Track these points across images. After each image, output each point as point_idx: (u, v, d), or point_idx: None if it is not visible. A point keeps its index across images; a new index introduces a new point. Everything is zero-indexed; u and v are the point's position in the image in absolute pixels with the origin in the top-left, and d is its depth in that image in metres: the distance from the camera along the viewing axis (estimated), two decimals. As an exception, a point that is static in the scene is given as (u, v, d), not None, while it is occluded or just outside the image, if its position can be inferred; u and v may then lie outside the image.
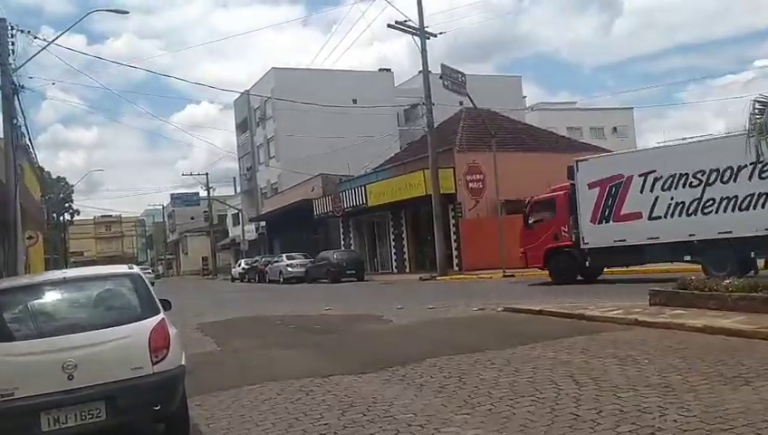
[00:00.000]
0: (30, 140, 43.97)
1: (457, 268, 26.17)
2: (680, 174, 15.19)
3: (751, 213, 14.07)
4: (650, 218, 15.70)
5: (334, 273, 28.24)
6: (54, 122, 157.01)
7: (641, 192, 15.86)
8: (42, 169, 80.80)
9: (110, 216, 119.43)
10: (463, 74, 22.19)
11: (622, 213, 16.22)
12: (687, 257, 15.51)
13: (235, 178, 68.34)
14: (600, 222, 16.67)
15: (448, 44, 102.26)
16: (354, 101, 50.83)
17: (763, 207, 13.90)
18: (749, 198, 14.12)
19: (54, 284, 5.41)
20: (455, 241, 26.51)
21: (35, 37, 16.39)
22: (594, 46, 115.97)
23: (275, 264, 33.41)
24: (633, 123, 65.52)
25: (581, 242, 16.90)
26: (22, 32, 16.42)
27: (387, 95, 52.01)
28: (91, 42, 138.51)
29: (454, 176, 26.22)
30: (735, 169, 14.21)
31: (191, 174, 58.09)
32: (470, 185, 25.94)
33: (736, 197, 14.30)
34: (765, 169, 13.52)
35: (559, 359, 6.81)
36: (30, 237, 19.07)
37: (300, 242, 39.40)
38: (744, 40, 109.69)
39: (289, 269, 31.79)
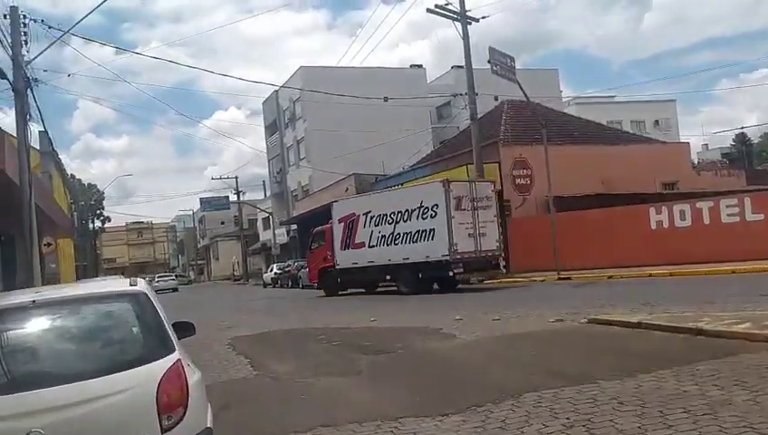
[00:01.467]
0: (51, 142, 43.26)
1: (505, 271, 24.30)
2: (382, 214, 21.09)
3: (419, 244, 19.88)
4: (369, 247, 21.45)
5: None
6: (86, 131, 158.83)
7: (364, 227, 21.66)
8: (73, 177, 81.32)
9: (142, 222, 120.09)
10: (512, 59, 20.40)
11: (355, 242, 21.98)
12: (388, 277, 21.47)
13: (264, 181, 67.35)
14: (344, 249, 22.41)
15: (473, 42, 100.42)
16: (385, 99, 49.28)
17: (425, 240, 19.72)
18: (417, 234, 20.03)
19: (18, 311, 3.66)
20: (501, 242, 24.62)
21: (50, 27, 15.00)
22: (623, 42, 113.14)
23: (304, 269, 31.87)
24: (676, 116, 62.87)
25: (336, 264, 22.56)
26: (35, 21, 15.08)
27: (419, 92, 50.30)
28: (120, 51, 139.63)
29: (499, 171, 24.39)
30: (411, 212, 20.23)
31: (220, 177, 56.77)
32: (517, 181, 24.08)
33: (410, 232, 20.20)
34: (425, 213, 19.79)
35: (711, 397, 5.04)
36: (48, 244, 17.77)
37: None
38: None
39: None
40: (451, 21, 22.39)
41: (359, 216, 21.79)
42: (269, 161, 58.61)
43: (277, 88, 48.61)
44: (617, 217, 22.03)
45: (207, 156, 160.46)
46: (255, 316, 17.31)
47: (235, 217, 65.66)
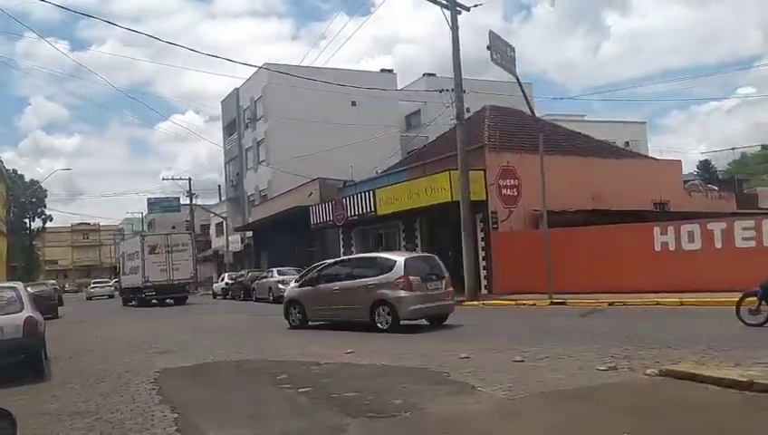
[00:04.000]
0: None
1: (486, 291, 21.71)
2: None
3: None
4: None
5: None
6: (36, 128, 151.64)
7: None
8: (15, 172, 75.96)
9: (88, 223, 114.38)
10: (513, 48, 17.89)
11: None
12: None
13: (219, 185, 63.67)
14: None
15: (434, 61, 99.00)
16: (353, 104, 46.57)
17: None
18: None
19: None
20: (483, 258, 22.05)
21: None
22: (581, 68, 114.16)
23: (264, 280, 28.75)
24: (646, 138, 61.88)
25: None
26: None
27: (389, 98, 47.74)
28: (75, 48, 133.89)
29: (485, 179, 21.84)
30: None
31: (172, 178, 53.07)
32: (503, 191, 21.53)
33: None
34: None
35: None
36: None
37: (291, 255, 34.76)
38: (729, 66, 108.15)
39: (280, 286, 27.05)
40: (440, 10, 19.77)
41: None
42: (225, 164, 55.11)
43: (241, 84, 45.43)
44: (616, 236, 19.66)
45: (162, 160, 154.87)
46: (198, 337, 14.19)
47: (187, 221, 61.81)
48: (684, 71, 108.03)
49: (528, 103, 18.83)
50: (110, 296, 47.29)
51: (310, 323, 15.23)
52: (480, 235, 22.05)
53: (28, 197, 73.14)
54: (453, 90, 20.24)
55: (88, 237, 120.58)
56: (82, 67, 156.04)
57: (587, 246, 19.96)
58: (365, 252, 29.70)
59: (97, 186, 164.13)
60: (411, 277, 13.32)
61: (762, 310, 10.15)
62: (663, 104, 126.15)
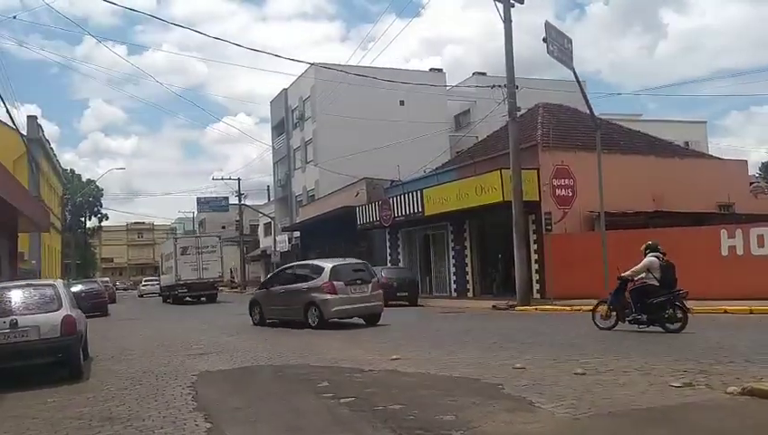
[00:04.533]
0: (41, 129, 40.07)
1: (538, 295, 20.85)
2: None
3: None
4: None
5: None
6: (95, 130, 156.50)
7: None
8: (72, 172, 78.16)
9: (143, 223, 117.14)
10: (570, 40, 17.03)
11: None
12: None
13: (268, 186, 64.06)
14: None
15: (484, 61, 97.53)
16: (401, 103, 46.04)
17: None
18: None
19: None
20: (536, 261, 21.19)
21: None
22: (636, 68, 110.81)
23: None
24: (706, 139, 59.43)
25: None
26: None
27: (438, 98, 47.03)
28: (131, 52, 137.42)
29: (538, 179, 20.99)
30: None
31: (222, 178, 53.48)
32: (557, 191, 20.65)
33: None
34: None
35: None
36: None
37: (338, 255, 34.23)
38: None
39: (326, 287, 26.79)
40: (493, 5, 19.02)
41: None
42: (274, 164, 55.31)
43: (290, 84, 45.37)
44: (679, 240, 18.45)
45: (214, 161, 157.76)
46: (241, 338, 13.86)
47: (237, 221, 62.35)
48: (743, 70, 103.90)
49: (585, 98, 17.93)
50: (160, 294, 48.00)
51: (268, 321, 17.08)
52: (532, 237, 21.20)
53: (85, 196, 75.09)
54: (505, 86, 19.45)
55: (142, 236, 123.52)
56: (139, 70, 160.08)
57: (647, 249, 18.91)
58: (412, 254, 29.21)
59: (152, 186, 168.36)
60: (335, 282, 15.27)
61: (611, 315, 12.48)
62: (721, 105, 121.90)
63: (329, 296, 15.09)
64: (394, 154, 38.05)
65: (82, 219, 77.58)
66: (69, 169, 75.88)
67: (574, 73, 17.31)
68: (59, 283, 10.07)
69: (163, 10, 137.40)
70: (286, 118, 51.02)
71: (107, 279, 52.94)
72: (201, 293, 33.36)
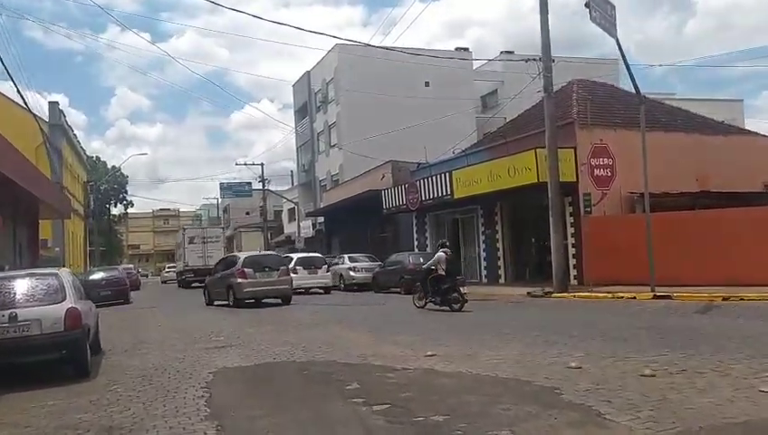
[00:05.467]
0: (62, 114, 39.64)
1: (575, 281, 19.76)
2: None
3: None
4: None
5: (409, 281, 22.17)
6: (121, 118, 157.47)
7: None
8: (98, 158, 78.24)
9: (168, 209, 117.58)
10: (613, 6, 15.77)
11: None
12: None
13: (292, 171, 63.36)
14: None
15: (509, 43, 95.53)
16: (427, 84, 44.85)
17: None
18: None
19: None
20: (573, 246, 20.07)
21: None
22: (665, 48, 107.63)
23: (335, 266, 27.61)
24: (743, 117, 57.28)
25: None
26: None
27: (464, 78, 45.75)
28: (155, 39, 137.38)
29: (575, 158, 19.82)
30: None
31: (245, 163, 52.90)
32: (595, 172, 19.46)
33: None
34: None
35: None
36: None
37: (363, 241, 33.62)
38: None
39: (352, 274, 26.00)
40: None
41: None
42: (297, 149, 54.54)
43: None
44: (728, 221, 17.34)
45: (239, 147, 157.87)
46: (262, 329, 13.05)
47: (260, 206, 61.83)
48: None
49: (628, 68, 16.68)
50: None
51: (215, 302, 20.49)
52: (569, 220, 20.07)
53: (110, 183, 75.16)
54: (540, 59, 18.27)
55: (168, 223, 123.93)
56: (163, 57, 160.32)
57: (694, 232, 17.75)
58: (439, 238, 28.10)
59: (177, 173, 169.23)
60: (246, 269, 19.10)
61: (423, 298, 16.06)
62: (753, 84, 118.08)
63: (240, 280, 18.96)
64: (419, 136, 36.98)
65: (108, 206, 77.77)
66: (94, 156, 76.10)
67: (617, 42, 16.06)
68: (63, 272, 9.27)
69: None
70: (309, 101, 50.16)
71: (131, 266, 52.81)
72: (205, 278, 35.69)
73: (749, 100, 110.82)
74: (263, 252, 23.70)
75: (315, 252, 44.03)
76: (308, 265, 25.46)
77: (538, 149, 19.06)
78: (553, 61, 18.53)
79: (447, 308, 14.97)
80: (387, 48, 30.56)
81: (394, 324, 12.90)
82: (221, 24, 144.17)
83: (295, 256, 26.63)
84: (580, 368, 7.09)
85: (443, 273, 15.51)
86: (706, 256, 17.02)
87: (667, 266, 16.79)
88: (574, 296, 17.42)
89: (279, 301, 19.76)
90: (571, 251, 19.99)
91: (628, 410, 5.30)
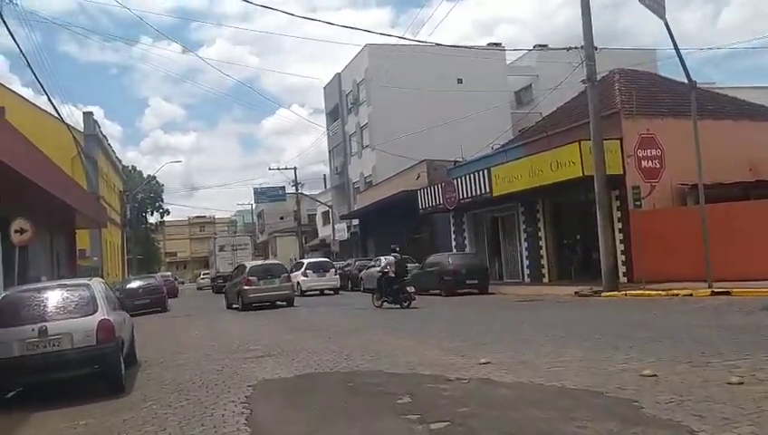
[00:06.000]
0: (97, 124, 39.95)
1: (625, 279, 18.88)
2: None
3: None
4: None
5: (450, 283, 21.59)
6: (155, 128, 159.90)
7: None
8: (134, 168, 79.23)
9: (204, 217, 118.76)
10: (665, -11, 14.97)
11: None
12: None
13: (324, 175, 63.16)
14: None
15: (542, 39, 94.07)
16: (459, 81, 44.11)
17: None
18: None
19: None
20: (621, 241, 19.19)
21: None
22: (699, 39, 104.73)
23: (372, 268, 27.05)
24: (788, 104, 55.25)
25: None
26: None
27: (497, 74, 44.86)
28: (186, 49, 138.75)
29: (621, 150, 18.96)
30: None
31: (278, 168, 52.76)
32: (643, 163, 18.56)
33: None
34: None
35: None
36: (20, 231, 13.42)
37: (398, 242, 32.84)
38: None
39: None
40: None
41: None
42: (329, 152, 54.26)
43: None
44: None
45: (271, 153, 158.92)
46: (303, 336, 12.55)
47: (294, 211, 61.76)
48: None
49: (677, 51, 15.78)
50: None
51: (233, 306, 22.58)
52: (616, 214, 19.20)
53: (146, 191, 75.98)
54: (582, 47, 17.48)
55: (204, 229, 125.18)
56: (194, 67, 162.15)
57: (751, 224, 16.81)
58: (479, 238, 27.50)
59: (211, 181, 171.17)
60: (250, 277, 21.30)
61: (380, 298, 18.14)
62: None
63: (246, 287, 21.18)
64: (453, 135, 36.29)
65: (144, 215, 78.61)
66: (130, 165, 77.03)
67: (666, 25, 15.21)
68: (95, 282, 8.88)
69: (215, 7, 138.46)
70: (341, 103, 49.81)
71: (168, 273, 53.18)
72: None
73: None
74: (267, 261, 28.00)
75: (351, 255, 43.87)
76: (317, 268, 28.44)
77: (582, 142, 18.25)
78: (596, 49, 17.69)
79: (399, 306, 17.24)
80: (418, 42, 29.94)
81: (438, 329, 12.27)
82: (250, 31, 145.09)
83: (306, 261, 30.48)
84: (655, 376, 6.40)
85: (393, 275, 18.03)
86: (765, 249, 16.05)
87: (723, 261, 15.87)
88: (625, 295, 16.58)
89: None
90: (620, 247, 19.11)
91: (725, 427, 4.62)
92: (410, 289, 17.52)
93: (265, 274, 21.81)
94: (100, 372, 7.99)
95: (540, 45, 49.00)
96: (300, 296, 24.92)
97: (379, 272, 19.14)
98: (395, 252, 19.41)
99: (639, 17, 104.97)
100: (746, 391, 5.56)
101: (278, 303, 21.81)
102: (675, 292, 15.66)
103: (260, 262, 26.04)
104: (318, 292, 27.10)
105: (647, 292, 16.33)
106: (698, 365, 6.80)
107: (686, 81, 24.82)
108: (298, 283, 26.28)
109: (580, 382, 6.43)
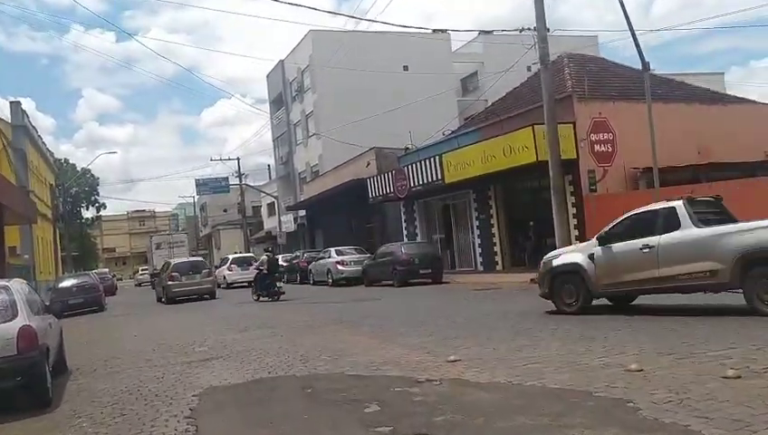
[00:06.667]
0: (25, 115, 37.63)
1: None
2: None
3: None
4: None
5: (403, 272, 21.03)
6: (89, 120, 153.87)
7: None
8: (66, 161, 75.69)
9: (143, 211, 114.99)
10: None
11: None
12: None
13: (269, 165, 61.71)
14: None
15: (481, 24, 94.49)
16: (405, 68, 43.50)
17: None
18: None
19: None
20: (575, 227, 18.98)
21: None
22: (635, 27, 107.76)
23: (322, 260, 26.31)
24: (725, 90, 56.82)
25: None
26: None
27: (442, 61, 44.44)
28: (121, 39, 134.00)
29: (574, 134, 18.71)
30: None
31: (220, 159, 51.17)
32: (596, 147, 18.39)
33: None
34: None
35: None
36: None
37: (348, 233, 32.33)
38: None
39: (340, 268, 24.68)
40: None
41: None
42: (273, 141, 52.93)
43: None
44: (743, 194, 16.30)
45: (212, 145, 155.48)
46: (250, 334, 11.72)
47: (238, 203, 60.15)
48: (743, 24, 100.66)
49: (633, 33, 15.51)
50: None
51: (162, 299, 24.25)
52: (570, 200, 18.96)
53: (80, 185, 72.82)
54: (534, 29, 17.05)
55: (144, 224, 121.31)
56: (130, 56, 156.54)
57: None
58: (430, 226, 27.05)
59: (151, 174, 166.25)
60: (173, 273, 23.52)
61: (257, 293, 20.50)
62: (720, 61, 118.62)
63: (170, 282, 23.24)
64: (400, 122, 35.75)
65: (79, 210, 75.35)
66: (63, 158, 73.58)
67: (621, 3, 14.90)
68: (14, 283, 7.84)
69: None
70: (284, 91, 48.56)
71: (106, 270, 51.03)
72: None
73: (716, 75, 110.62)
74: (190, 258, 29.60)
75: (298, 247, 42.91)
76: (241, 263, 31.00)
77: (536, 126, 17.88)
78: (548, 30, 17.30)
79: (271, 299, 19.57)
80: (366, 19, 29.12)
81: (397, 323, 11.63)
82: (187, 19, 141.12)
83: (231, 256, 34.04)
84: (641, 371, 5.91)
85: (266, 272, 20.34)
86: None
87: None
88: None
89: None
90: (574, 233, 18.86)
91: (734, 429, 4.11)
92: (279, 285, 19.95)
93: (188, 270, 23.89)
94: (22, 384, 7.01)
95: (485, 31, 48.95)
96: (226, 289, 28.37)
97: (256, 270, 21.69)
98: (268, 251, 22.84)
99: (577, 8, 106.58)
100: (746, 386, 5.11)
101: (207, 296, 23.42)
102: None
103: (184, 259, 27.86)
104: (246, 284, 27.98)
105: (603, 277, 16.07)
106: (684, 356, 6.36)
107: (632, 66, 24.98)
108: (224, 276, 30.48)
109: (562, 381, 5.88)
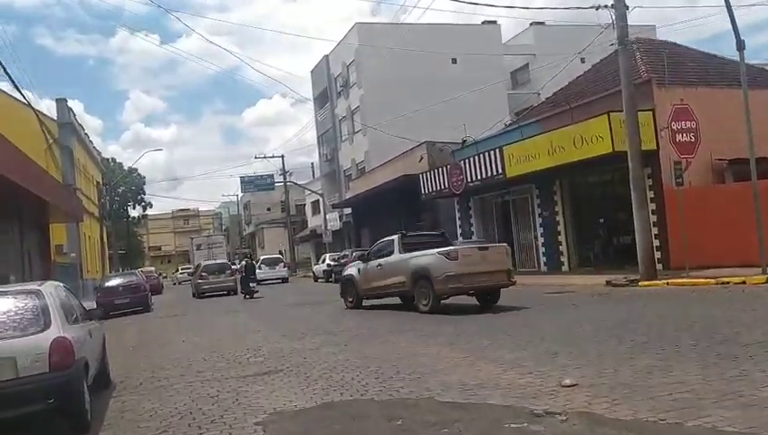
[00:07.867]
0: (71, 112, 37.41)
1: (659, 265, 17.03)
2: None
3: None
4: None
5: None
6: (136, 121, 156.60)
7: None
8: (113, 160, 76.36)
9: (188, 209, 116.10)
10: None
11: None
12: None
13: (313, 163, 61.03)
14: None
15: (530, 14, 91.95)
16: (454, 61, 42.10)
17: None
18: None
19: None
20: (654, 224, 17.34)
21: None
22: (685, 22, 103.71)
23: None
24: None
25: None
26: None
27: (492, 53, 42.88)
28: (165, 40, 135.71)
29: (654, 123, 17.10)
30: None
31: (264, 157, 50.64)
32: (677, 137, 16.72)
33: None
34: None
35: None
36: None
37: (396, 230, 31.00)
38: None
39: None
40: None
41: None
42: (318, 138, 52.08)
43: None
44: None
45: (255, 144, 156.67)
46: (308, 342, 10.55)
47: (282, 202, 59.60)
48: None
49: (730, 12, 13.88)
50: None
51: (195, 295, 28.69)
52: (650, 194, 17.35)
53: (128, 184, 73.42)
54: (613, 6, 15.52)
55: (188, 223, 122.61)
56: (174, 59, 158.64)
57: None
58: (487, 224, 25.59)
59: (195, 172, 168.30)
60: (202, 273, 29.19)
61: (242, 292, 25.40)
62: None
63: (200, 281, 28.55)
64: (448, 117, 34.46)
65: (126, 208, 76.00)
66: (110, 157, 74.27)
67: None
68: (47, 286, 6.76)
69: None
70: (329, 87, 47.64)
71: (152, 268, 50.91)
72: None
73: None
74: (217, 261, 33.87)
75: (342, 246, 41.90)
76: (270, 263, 37.89)
77: (612, 114, 16.33)
78: (627, 8, 15.75)
79: (251, 297, 23.73)
80: (406, 34, 27.77)
81: (474, 332, 10.28)
82: (230, 22, 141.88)
83: (262, 256, 40.94)
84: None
85: (244, 274, 25.56)
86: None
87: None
88: (667, 284, 14.75)
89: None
90: (654, 231, 17.25)
91: None
92: (253, 285, 24.76)
93: (214, 270, 29.63)
94: (55, 407, 5.92)
95: (536, 23, 47.17)
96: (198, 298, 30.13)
97: (238, 272, 28.28)
98: (247, 257, 30.89)
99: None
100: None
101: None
102: (721, 279, 13.88)
103: (211, 262, 33.03)
104: (278, 280, 36.81)
105: (693, 280, 14.50)
106: (732, 380, 4.90)
107: (706, 51, 23.11)
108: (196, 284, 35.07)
109: (724, 418, 4.51)
